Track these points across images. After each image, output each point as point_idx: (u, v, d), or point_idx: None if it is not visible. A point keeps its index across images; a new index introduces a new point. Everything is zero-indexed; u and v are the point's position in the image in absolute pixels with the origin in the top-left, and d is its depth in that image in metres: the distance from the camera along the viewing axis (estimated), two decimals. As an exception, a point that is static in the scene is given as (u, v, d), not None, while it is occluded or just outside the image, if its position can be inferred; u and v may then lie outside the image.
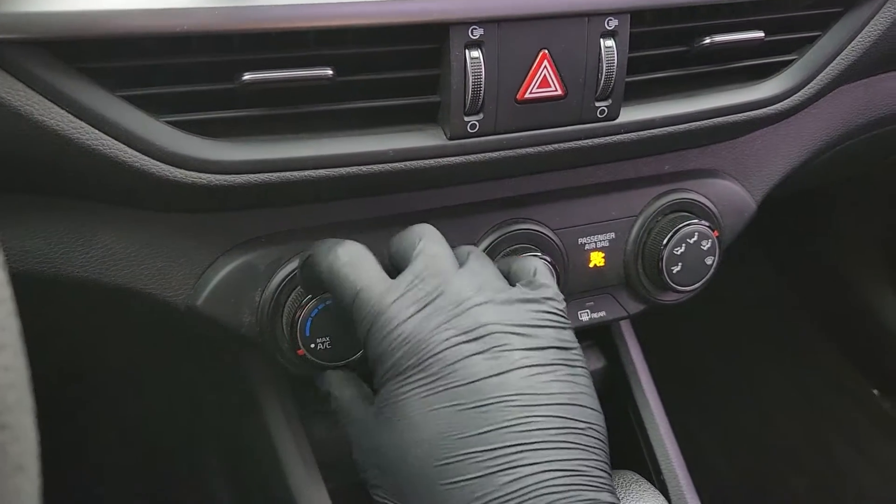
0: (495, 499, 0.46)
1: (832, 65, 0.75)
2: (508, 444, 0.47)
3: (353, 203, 0.67)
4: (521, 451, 0.47)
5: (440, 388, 0.48)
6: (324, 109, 0.59)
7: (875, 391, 1.72)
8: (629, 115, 0.67)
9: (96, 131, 0.51)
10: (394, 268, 0.56)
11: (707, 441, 1.52)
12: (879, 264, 1.71)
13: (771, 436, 1.61)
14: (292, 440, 0.82)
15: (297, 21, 0.54)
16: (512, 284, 0.56)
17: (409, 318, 0.50)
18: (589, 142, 0.66)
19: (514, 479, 0.46)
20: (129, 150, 0.53)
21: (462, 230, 0.71)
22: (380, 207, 0.68)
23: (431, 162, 0.62)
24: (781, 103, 0.74)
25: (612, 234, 0.77)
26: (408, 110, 0.61)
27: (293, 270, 0.65)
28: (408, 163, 0.61)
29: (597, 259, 0.77)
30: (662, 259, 0.75)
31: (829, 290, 1.76)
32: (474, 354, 0.49)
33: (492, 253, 0.72)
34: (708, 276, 0.78)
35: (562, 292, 0.72)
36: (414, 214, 0.69)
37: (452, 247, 0.57)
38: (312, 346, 0.64)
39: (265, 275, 0.65)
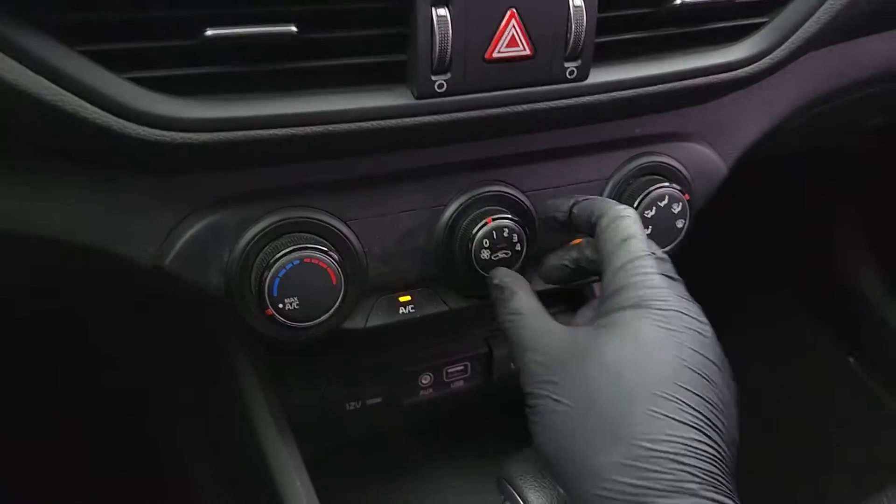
0: (678, 443, 0.50)
1: (803, 28, 0.75)
2: (715, 406, 0.53)
3: (322, 164, 0.67)
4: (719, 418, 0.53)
5: (678, 330, 0.55)
6: (288, 67, 0.58)
7: (850, 358, 1.74)
8: (599, 76, 0.67)
9: (55, 86, 0.51)
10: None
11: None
12: (857, 232, 1.72)
13: (746, 401, 1.63)
14: (265, 404, 0.82)
15: (260, -25, 0.53)
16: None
17: (658, 276, 0.58)
18: (558, 103, 0.66)
19: (703, 441, 0.51)
20: (90, 107, 0.52)
21: (431, 192, 0.71)
22: (348, 169, 0.68)
23: (398, 122, 0.62)
24: (752, 66, 0.74)
25: (583, 198, 0.77)
26: (374, 69, 0.61)
27: (261, 230, 0.65)
28: (374, 122, 0.61)
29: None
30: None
31: (805, 257, 1.77)
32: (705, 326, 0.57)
33: (462, 214, 0.72)
34: (679, 240, 0.79)
35: (531, 255, 0.73)
36: (383, 176, 0.69)
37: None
38: (281, 305, 0.64)
39: (233, 235, 0.65)
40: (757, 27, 0.74)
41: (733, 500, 0.51)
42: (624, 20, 0.68)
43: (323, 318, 0.66)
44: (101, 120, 0.53)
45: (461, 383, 0.95)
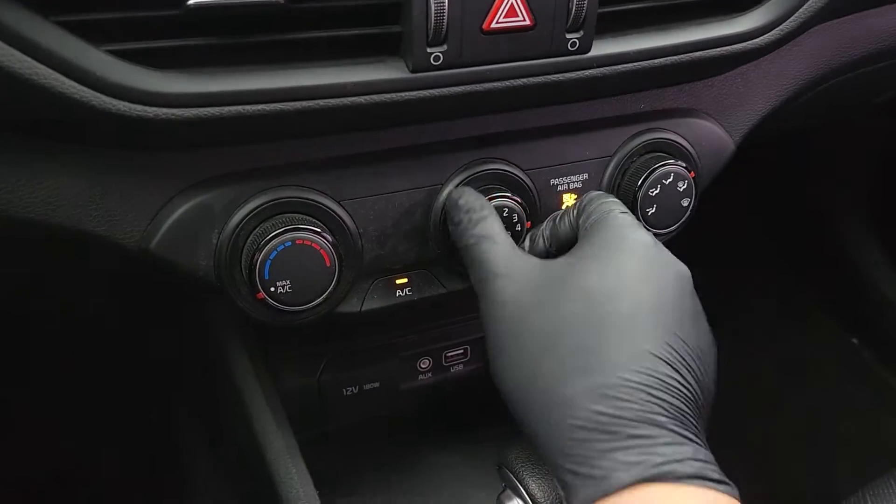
0: (651, 375, 0.50)
1: (813, -1, 0.72)
2: (691, 348, 0.53)
3: (313, 142, 0.64)
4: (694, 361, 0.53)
5: (659, 269, 0.55)
6: (277, 39, 0.55)
7: (854, 340, 1.73)
8: (602, 48, 0.64)
9: (29, 59, 0.48)
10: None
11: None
12: (860, 211, 1.70)
13: (749, 383, 1.62)
14: (259, 391, 0.80)
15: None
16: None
17: (640, 226, 0.59)
18: (559, 76, 0.64)
19: (675, 378, 0.51)
20: (67, 81, 0.50)
21: (429, 170, 0.69)
22: (341, 146, 0.65)
23: (393, 96, 0.59)
24: (761, 38, 0.71)
25: (586, 175, 0.74)
26: (367, 41, 0.58)
27: (251, 211, 0.63)
28: (368, 97, 0.58)
29: (569, 201, 0.75)
30: (637, 200, 0.73)
31: (809, 238, 1.75)
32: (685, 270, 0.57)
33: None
34: (684, 219, 0.77)
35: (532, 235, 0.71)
36: (378, 153, 0.67)
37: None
38: (272, 289, 0.62)
39: (222, 216, 0.63)
40: (766, -3, 0.71)
41: (699, 439, 0.50)
42: (628, -11, 0.65)
43: (316, 301, 0.64)
44: (78, 94, 0.50)
45: (460, 367, 0.94)
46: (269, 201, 0.63)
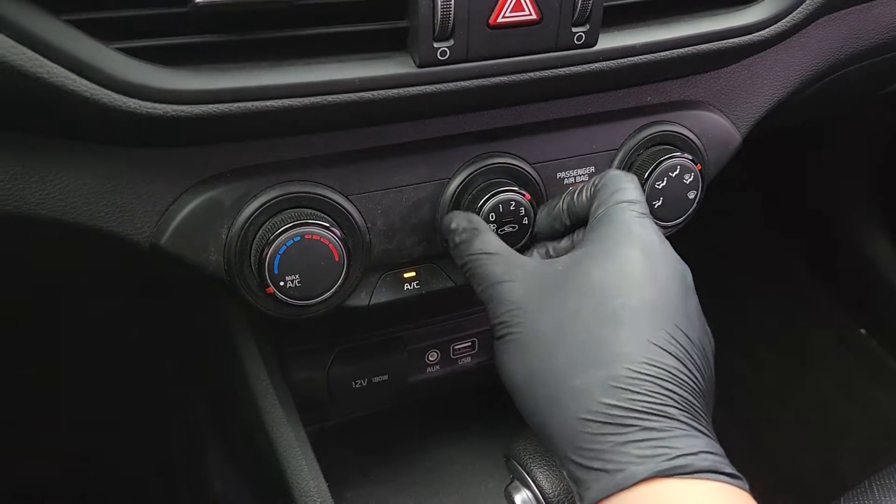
0: (660, 368, 0.51)
1: (820, -11, 0.72)
2: (695, 343, 0.53)
3: (321, 137, 0.64)
4: (699, 355, 0.53)
5: (663, 266, 0.56)
6: (284, 36, 0.56)
7: (862, 330, 1.73)
8: (608, 41, 0.64)
9: (40, 58, 0.48)
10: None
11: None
12: (869, 203, 1.69)
13: (756, 373, 1.62)
14: (269, 383, 0.81)
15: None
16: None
17: (647, 217, 0.59)
18: (566, 70, 0.64)
19: (683, 371, 0.52)
20: (78, 79, 0.50)
21: (436, 164, 0.69)
22: (349, 141, 0.66)
23: (400, 91, 0.59)
24: (767, 30, 0.71)
25: (592, 168, 0.75)
26: (374, 37, 0.58)
27: (260, 206, 0.63)
28: (375, 92, 0.58)
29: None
30: (644, 193, 0.73)
31: (817, 229, 1.75)
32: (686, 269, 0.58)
33: (467, 187, 0.70)
34: (691, 211, 0.77)
35: (534, 237, 0.71)
36: (386, 148, 0.67)
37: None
38: (282, 283, 0.62)
39: (231, 211, 0.63)
40: (772, -12, 0.71)
41: (709, 432, 0.51)
42: (634, -18, 0.65)
43: (325, 295, 0.64)
44: (89, 92, 0.51)
45: (468, 360, 0.94)
46: (278, 196, 0.63)
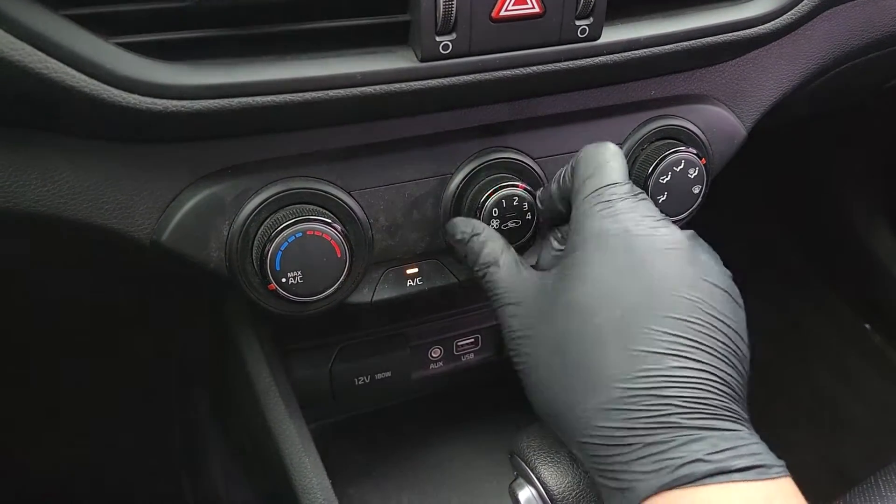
0: (656, 376, 0.49)
1: (827, -20, 0.71)
2: (696, 321, 0.50)
3: (323, 132, 0.64)
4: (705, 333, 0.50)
5: (643, 256, 0.53)
6: (285, 30, 0.55)
7: (867, 325, 1.72)
8: (612, 34, 0.64)
9: (39, 53, 0.48)
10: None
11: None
12: (873, 197, 1.69)
13: (758, 367, 1.61)
14: (271, 380, 0.81)
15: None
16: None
17: (624, 201, 0.56)
18: (569, 64, 0.63)
19: (684, 366, 0.49)
20: (77, 74, 0.50)
21: (439, 159, 0.69)
22: (351, 137, 0.65)
23: (403, 86, 0.59)
24: (773, 22, 0.70)
25: (596, 163, 0.74)
26: (376, 31, 0.58)
27: (262, 202, 0.62)
28: (377, 87, 0.58)
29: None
30: (648, 188, 0.73)
31: (822, 223, 1.74)
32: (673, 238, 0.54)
33: (470, 183, 0.69)
34: (695, 206, 0.76)
35: (542, 224, 0.70)
36: (388, 143, 0.67)
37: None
38: (283, 280, 0.62)
39: (232, 207, 0.63)
40: (778, -20, 0.70)
41: (723, 422, 0.48)
42: (638, -25, 0.64)
43: (328, 292, 0.64)
44: (88, 88, 0.50)
45: (472, 356, 0.94)
46: (280, 192, 0.63)
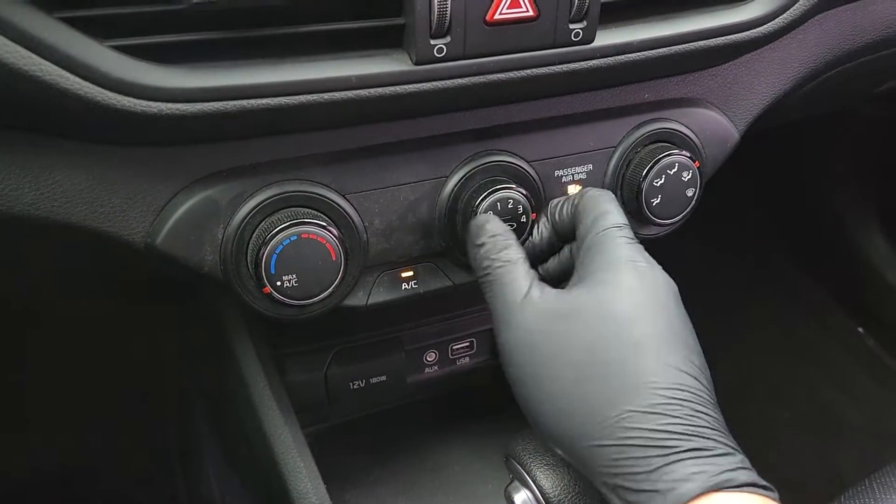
0: (688, 391, 0.52)
1: (818, -15, 0.72)
2: (701, 359, 0.55)
3: (318, 135, 0.64)
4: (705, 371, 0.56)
5: (660, 287, 0.58)
6: (280, 33, 0.55)
7: (860, 329, 1.73)
8: (605, 38, 0.64)
9: (33, 55, 0.48)
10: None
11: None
12: (865, 201, 1.69)
13: (753, 371, 1.62)
14: (266, 384, 0.81)
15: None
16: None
17: (635, 243, 0.60)
18: (563, 67, 0.63)
19: (703, 389, 0.54)
20: (71, 77, 0.50)
21: (434, 162, 0.69)
22: (346, 140, 0.65)
23: (397, 89, 0.59)
24: (765, 26, 0.71)
25: (590, 166, 0.74)
26: (370, 34, 0.58)
27: (257, 206, 0.62)
28: (372, 90, 0.58)
29: (574, 192, 0.74)
30: (642, 191, 0.73)
31: (815, 228, 1.75)
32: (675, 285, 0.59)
33: (465, 186, 0.69)
34: (689, 209, 0.76)
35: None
36: (383, 147, 0.67)
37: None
38: (278, 283, 0.62)
39: (227, 211, 0.63)
40: (770, -16, 0.70)
41: (737, 448, 0.52)
42: (631, -21, 0.65)
43: (322, 295, 0.64)
44: (83, 90, 0.50)
45: (467, 360, 0.94)
46: (275, 196, 0.63)
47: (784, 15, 0.71)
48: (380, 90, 0.58)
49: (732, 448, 0.52)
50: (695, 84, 0.78)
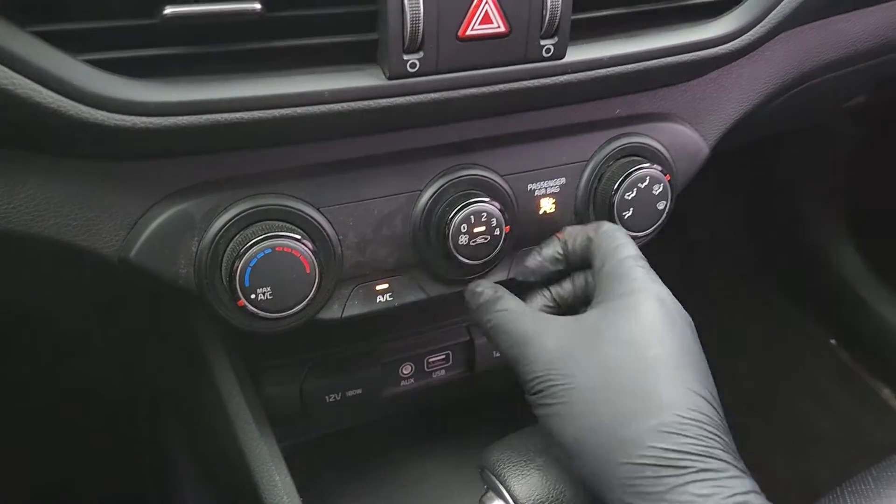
0: (701, 413, 0.54)
1: (783, 3, 0.74)
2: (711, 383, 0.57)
3: (293, 149, 0.64)
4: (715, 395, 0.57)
5: (675, 315, 0.59)
6: (254, 48, 0.56)
7: (832, 341, 1.75)
8: (576, 54, 0.65)
9: (6, 69, 0.48)
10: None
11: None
12: (836, 216, 1.72)
13: (728, 383, 1.63)
14: (241, 398, 0.80)
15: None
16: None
17: (650, 273, 0.62)
18: (535, 82, 0.65)
19: (715, 413, 0.55)
20: (45, 91, 0.50)
21: (408, 176, 0.69)
22: (320, 153, 0.66)
23: (371, 103, 0.60)
24: (732, 43, 0.72)
25: (563, 180, 0.75)
26: (344, 49, 0.59)
27: (231, 219, 0.63)
28: (345, 104, 0.59)
29: (547, 205, 0.75)
30: (614, 204, 0.74)
31: (787, 241, 1.78)
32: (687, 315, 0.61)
33: (439, 199, 0.70)
34: (660, 221, 0.78)
35: (511, 240, 0.72)
36: (357, 160, 0.67)
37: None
38: (253, 296, 0.62)
39: (202, 224, 0.63)
40: (736, 3, 0.72)
41: (749, 475, 0.53)
42: (601, -4, 0.66)
43: (297, 308, 0.64)
44: (56, 104, 0.50)
45: (443, 373, 0.94)
46: (249, 209, 0.63)
47: (750, 32, 0.73)
48: (353, 104, 0.59)
49: (743, 471, 0.53)
50: (665, 99, 0.79)
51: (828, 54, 0.89)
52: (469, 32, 0.59)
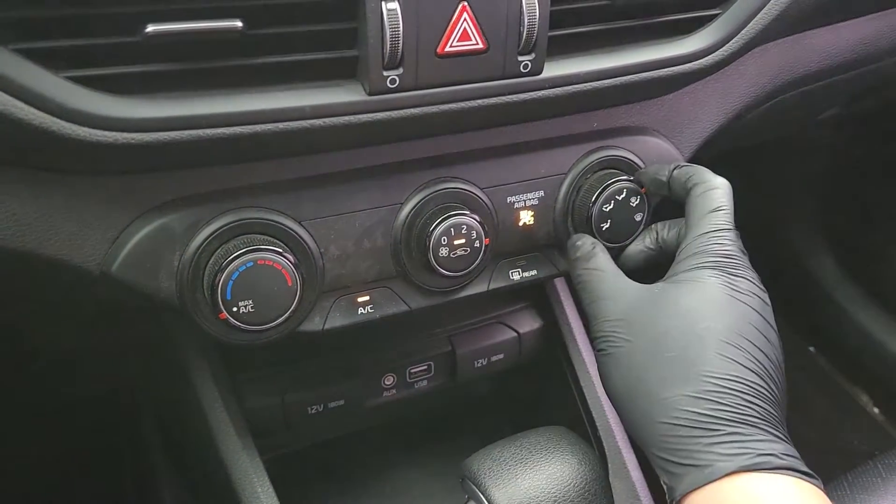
0: (743, 383, 0.57)
1: (756, 19, 0.75)
2: (772, 362, 0.60)
3: (273, 163, 0.65)
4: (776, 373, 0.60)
5: (745, 293, 0.62)
6: (235, 65, 0.57)
7: (811, 348, 1.77)
8: (553, 69, 0.66)
9: (-13, 87, 0.49)
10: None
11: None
12: (813, 224, 1.75)
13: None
14: (223, 410, 0.81)
15: (203, -31, 0.52)
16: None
17: (734, 246, 0.65)
18: (513, 97, 0.66)
19: (763, 386, 0.58)
20: (26, 107, 0.50)
21: (388, 190, 0.70)
22: (301, 168, 0.66)
23: (351, 119, 0.60)
24: (706, 58, 0.74)
25: (542, 192, 0.76)
26: (325, 65, 0.60)
27: (213, 232, 0.63)
28: (326, 120, 0.59)
29: (526, 217, 0.76)
30: (592, 216, 0.76)
31: (764, 251, 1.80)
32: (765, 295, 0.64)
33: (419, 212, 0.71)
34: (638, 233, 0.79)
35: (490, 252, 0.72)
36: (338, 174, 0.68)
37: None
38: (234, 309, 0.62)
39: (183, 238, 0.63)
40: (710, 19, 0.74)
41: (786, 438, 0.57)
42: (577, 13, 0.67)
43: (279, 320, 0.65)
44: (38, 121, 0.51)
45: (425, 383, 0.94)
46: (231, 223, 0.64)
47: (724, 48, 0.74)
48: (334, 120, 0.60)
49: (777, 436, 0.56)
50: (641, 113, 0.80)
51: (800, 68, 0.90)
52: (448, 49, 0.60)
